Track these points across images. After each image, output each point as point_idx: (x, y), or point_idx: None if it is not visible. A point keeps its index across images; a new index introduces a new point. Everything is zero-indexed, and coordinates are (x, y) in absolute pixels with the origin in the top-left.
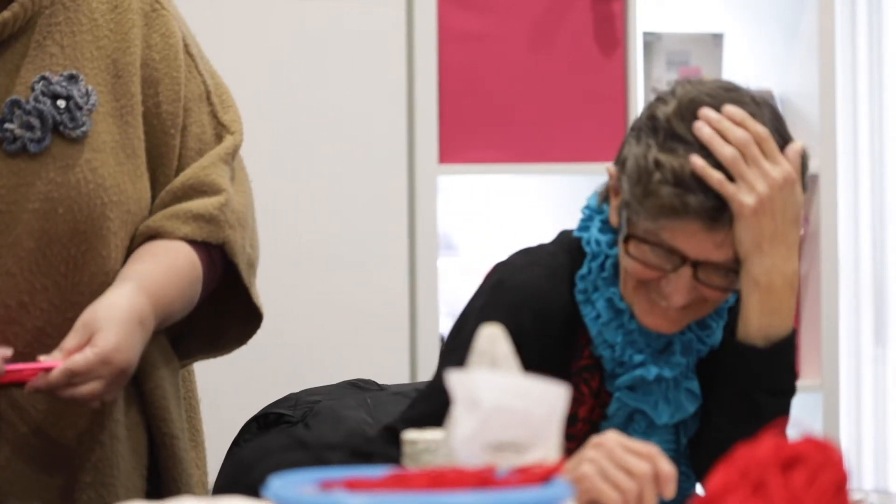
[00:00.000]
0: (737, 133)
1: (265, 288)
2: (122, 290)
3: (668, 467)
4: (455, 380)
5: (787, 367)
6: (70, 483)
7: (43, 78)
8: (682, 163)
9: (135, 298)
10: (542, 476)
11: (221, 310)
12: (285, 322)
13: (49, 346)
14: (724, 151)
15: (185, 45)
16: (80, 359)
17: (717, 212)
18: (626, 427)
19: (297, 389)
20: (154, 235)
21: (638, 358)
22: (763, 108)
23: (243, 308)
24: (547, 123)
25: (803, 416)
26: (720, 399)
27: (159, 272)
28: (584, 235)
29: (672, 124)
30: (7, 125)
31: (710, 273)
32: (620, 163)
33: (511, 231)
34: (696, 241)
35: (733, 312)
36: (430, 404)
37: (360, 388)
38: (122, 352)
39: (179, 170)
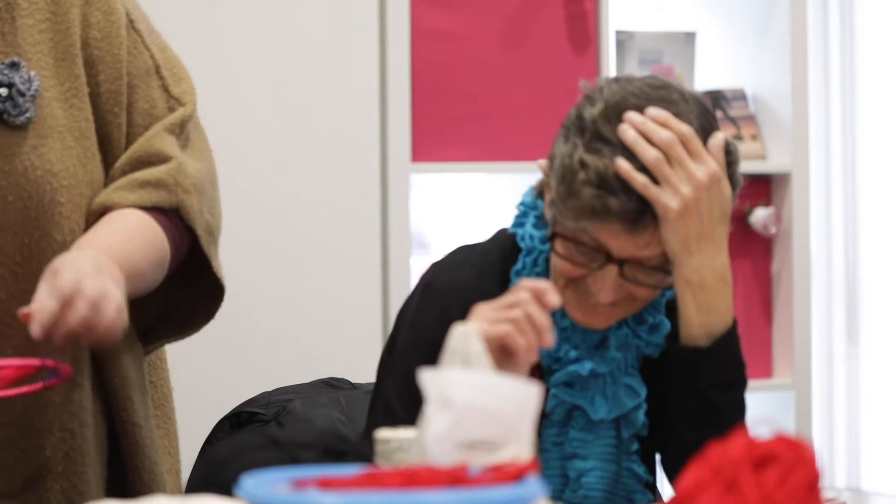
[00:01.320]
0: (661, 134)
1: (238, 286)
2: (63, 255)
3: (537, 284)
4: (427, 378)
5: (734, 360)
6: (43, 473)
7: None
8: (606, 164)
9: (75, 250)
10: (514, 474)
11: (184, 285)
12: (258, 320)
13: (9, 337)
14: (648, 154)
15: (131, 21)
16: (35, 302)
17: (639, 214)
18: (566, 423)
19: (269, 388)
20: (105, 211)
21: (573, 354)
22: (691, 105)
23: (207, 283)
24: (519, 122)
25: (775, 415)
26: (676, 403)
27: (99, 232)
28: (519, 231)
29: (598, 126)
30: None
31: (637, 271)
32: (551, 159)
33: (484, 230)
34: (619, 242)
35: (673, 315)
36: (384, 421)
37: (333, 386)
38: (68, 265)
39: (129, 148)
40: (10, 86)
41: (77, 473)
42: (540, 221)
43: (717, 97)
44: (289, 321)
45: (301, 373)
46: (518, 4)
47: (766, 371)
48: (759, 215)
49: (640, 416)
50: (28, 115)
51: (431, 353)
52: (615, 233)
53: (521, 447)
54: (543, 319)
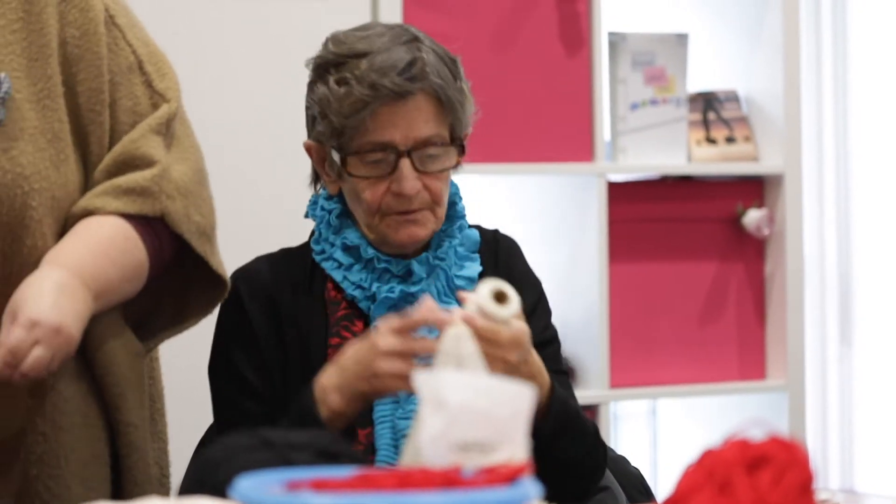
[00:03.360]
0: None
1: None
2: (32, 274)
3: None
4: (421, 380)
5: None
6: (16, 478)
7: None
8: (359, 69)
9: (43, 272)
10: (508, 476)
11: (184, 282)
12: None
13: None
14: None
15: (111, 17)
16: (10, 336)
17: (408, 81)
18: None
19: None
20: (86, 215)
21: (385, 287)
22: (411, 28)
23: (205, 276)
24: (512, 124)
25: (769, 416)
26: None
27: (73, 245)
28: (312, 213)
29: (338, 52)
30: None
31: (426, 159)
32: (311, 129)
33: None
34: (397, 124)
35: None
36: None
37: None
38: (46, 311)
39: (112, 147)
40: None
41: (53, 477)
42: (328, 200)
43: (709, 98)
44: None
45: None
46: (510, 6)
47: (760, 373)
48: (752, 217)
49: None
50: None
51: (221, 339)
52: (392, 114)
53: (514, 449)
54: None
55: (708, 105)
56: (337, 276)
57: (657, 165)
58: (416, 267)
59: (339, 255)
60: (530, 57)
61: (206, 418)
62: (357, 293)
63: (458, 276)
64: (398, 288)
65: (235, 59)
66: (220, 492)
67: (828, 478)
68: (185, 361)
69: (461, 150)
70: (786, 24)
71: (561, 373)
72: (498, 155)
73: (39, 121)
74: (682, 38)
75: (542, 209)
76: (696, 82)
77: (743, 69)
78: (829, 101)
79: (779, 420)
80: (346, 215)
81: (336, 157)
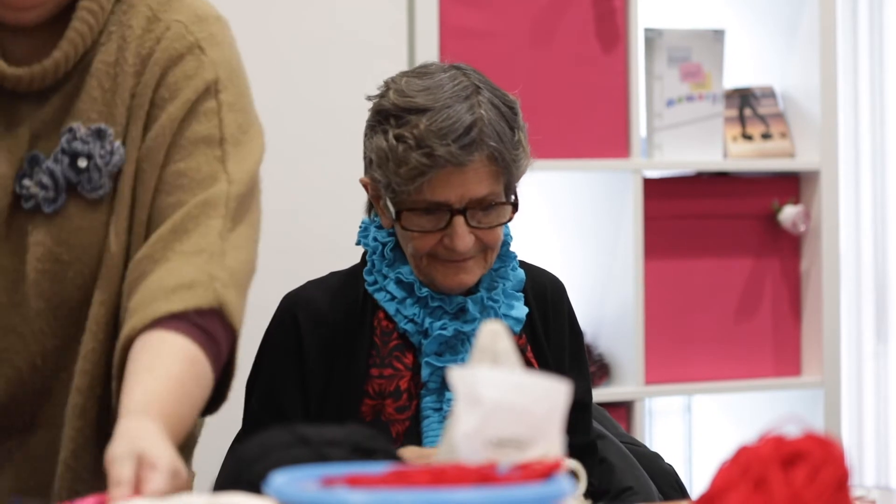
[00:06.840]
0: None
1: (264, 290)
2: (127, 424)
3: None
4: (456, 376)
5: None
6: (10, 475)
7: (70, 130)
8: (417, 128)
9: (141, 424)
10: (543, 472)
11: None
12: None
13: (46, 407)
14: None
15: (217, 90)
16: (154, 483)
17: (463, 150)
18: (443, 389)
19: None
20: (149, 324)
21: (437, 324)
22: (470, 73)
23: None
24: (548, 120)
25: (804, 413)
26: None
27: (155, 387)
28: (364, 242)
29: (399, 105)
30: (25, 181)
31: (479, 215)
32: (367, 168)
33: (512, 228)
34: (454, 188)
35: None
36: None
37: None
38: (180, 462)
39: (153, 204)
40: (89, 157)
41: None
42: (380, 230)
43: (746, 95)
44: None
45: None
46: (546, 2)
47: (796, 369)
48: (788, 213)
49: None
50: (102, 191)
51: (267, 360)
52: (448, 178)
53: (549, 445)
54: None
55: (744, 101)
56: (389, 308)
57: (693, 162)
58: (471, 306)
59: (392, 287)
60: (566, 53)
61: (236, 419)
62: (409, 327)
63: (506, 316)
64: (451, 325)
65: (266, 55)
66: (256, 488)
67: (863, 474)
68: None
69: (515, 207)
70: (822, 20)
71: (591, 443)
72: (534, 151)
73: (128, 193)
74: (718, 34)
75: (577, 205)
76: (733, 78)
77: (779, 65)
78: (866, 96)
79: (814, 417)
80: (399, 248)
81: (391, 207)
